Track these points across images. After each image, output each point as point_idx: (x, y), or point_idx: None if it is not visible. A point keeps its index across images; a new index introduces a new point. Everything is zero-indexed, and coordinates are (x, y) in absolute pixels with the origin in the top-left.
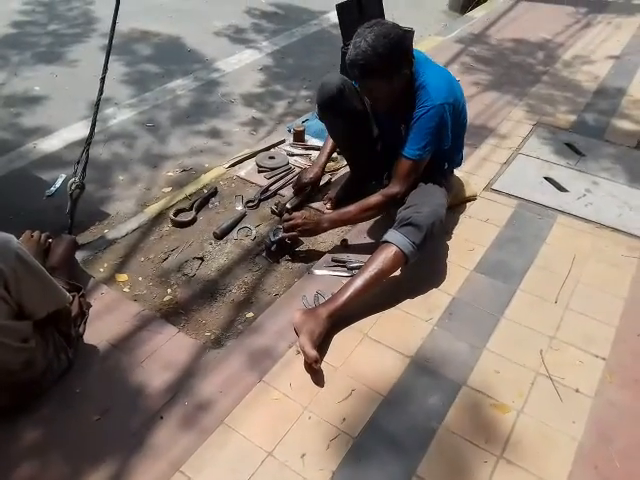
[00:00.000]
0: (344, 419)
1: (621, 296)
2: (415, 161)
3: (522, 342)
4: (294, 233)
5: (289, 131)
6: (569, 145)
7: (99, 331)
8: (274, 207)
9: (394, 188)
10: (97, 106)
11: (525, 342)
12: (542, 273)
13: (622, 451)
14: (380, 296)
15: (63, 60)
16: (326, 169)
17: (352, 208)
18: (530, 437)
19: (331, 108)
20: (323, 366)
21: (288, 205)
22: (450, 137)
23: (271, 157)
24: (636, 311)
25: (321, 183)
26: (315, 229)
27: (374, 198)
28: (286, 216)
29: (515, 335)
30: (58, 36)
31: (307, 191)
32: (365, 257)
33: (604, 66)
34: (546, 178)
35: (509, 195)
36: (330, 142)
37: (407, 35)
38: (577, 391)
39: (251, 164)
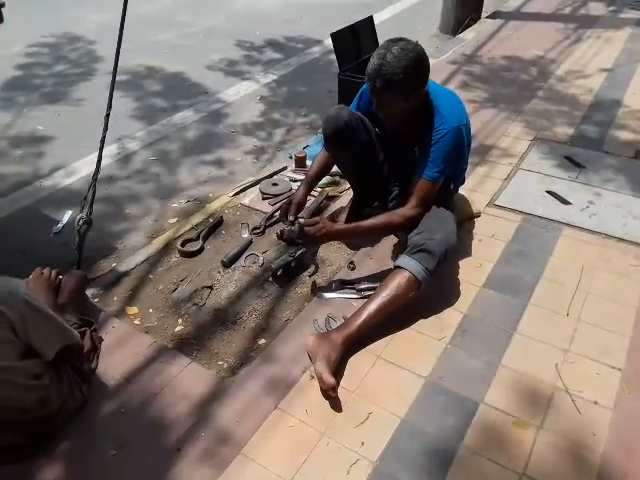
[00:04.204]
0: (363, 443)
1: (632, 305)
2: (434, 183)
3: (537, 357)
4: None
5: (290, 157)
6: (569, 158)
7: (112, 365)
8: (280, 232)
9: (414, 210)
10: (102, 142)
11: (540, 356)
12: (551, 286)
13: None
14: (391, 316)
15: (69, 99)
16: (330, 193)
17: (371, 222)
18: (552, 453)
19: (338, 140)
20: (338, 390)
21: (302, 220)
22: (466, 157)
23: (274, 184)
24: None
25: (307, 205)
26: (331, 233)
27: (394, 218)
28: (307, 220)
29: (529, 350)
30: (63, 76)
31: (292, 213)
32: (372, 279)
33: (598, 79)
34: (548, 192)
35: (513, 210)
36: (315, 166)
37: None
38: (596, 403)
39: (255, 192)
